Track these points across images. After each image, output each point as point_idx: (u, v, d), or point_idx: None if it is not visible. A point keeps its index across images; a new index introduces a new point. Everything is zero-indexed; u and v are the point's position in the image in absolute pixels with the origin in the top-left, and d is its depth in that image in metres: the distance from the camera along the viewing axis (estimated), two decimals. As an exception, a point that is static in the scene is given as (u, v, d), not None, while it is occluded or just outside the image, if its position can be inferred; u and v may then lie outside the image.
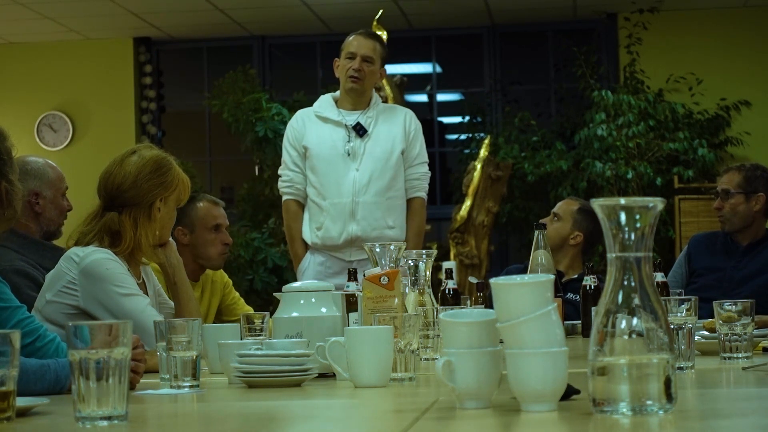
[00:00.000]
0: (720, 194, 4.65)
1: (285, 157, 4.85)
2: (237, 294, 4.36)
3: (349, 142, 4.73)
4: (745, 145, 8.53)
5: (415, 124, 4.84)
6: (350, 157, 4.71)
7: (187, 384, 2.28)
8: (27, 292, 3.18)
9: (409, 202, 4.83)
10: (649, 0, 8.53)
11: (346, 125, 4.75)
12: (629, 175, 7.93)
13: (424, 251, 2.91)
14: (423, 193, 4.85)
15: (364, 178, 4.70)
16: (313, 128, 4.78)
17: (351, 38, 4.80)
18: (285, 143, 4.87)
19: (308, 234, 4.78)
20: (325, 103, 4.86)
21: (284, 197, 4.85)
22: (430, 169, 4.91)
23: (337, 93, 4.88)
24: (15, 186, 2.49)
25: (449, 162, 9.59)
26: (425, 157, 4.87)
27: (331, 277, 4.60)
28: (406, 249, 4.99)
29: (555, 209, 4.78)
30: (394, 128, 4.78)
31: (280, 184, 4.87)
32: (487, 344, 1.76)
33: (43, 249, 3.63)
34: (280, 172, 4.88)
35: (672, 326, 2.28)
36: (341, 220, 4.69)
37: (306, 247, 4.82)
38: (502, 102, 9.31)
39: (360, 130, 4.74)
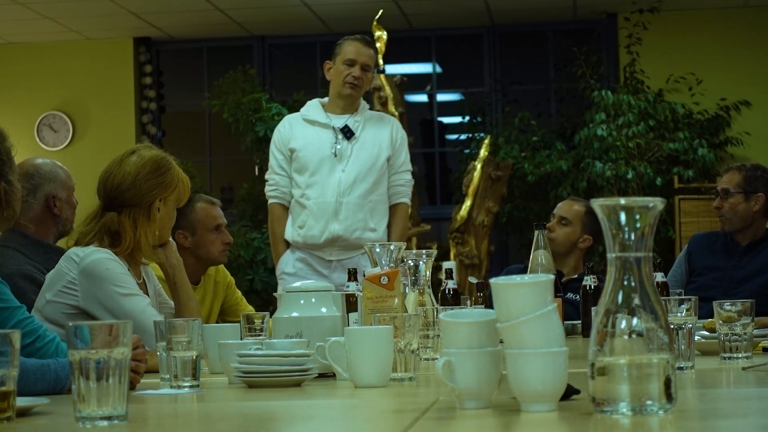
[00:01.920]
0: (720, 194, 4.66)
1: (272, 161, 4.90)
2: (240, 294, 4.36)
3: (336, 143, 4.76)
4: (745, 145, 8.53)
5: (401, 133, 4.96)
6: (337, 159, 4.77)
7: (187, 384, 2.29)
8: (31, 297, 3.18)
9: (393, 207, 4.90)
10: (649, 0, 8.53)
11: (333, 127, 4.80)
12: (629, 175, 7.93)
13: (424, 251, 2.91)
14: (407, 200, 4.95)
15: (349, 180, 4.75)
16: (301, 130, 4.84)
17: (348, 44, 4.82)
18: (272, 148, 4.92)
19: (290, 232, 4.83)
20: (312, 107, 4.92)
21: (270, 201, 4.91)
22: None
23: (325, 99, 4.93)
24: (14, 186, 2.49)
25: (449, 162, 9.59)
26: (409, 166, 4.97)
27: (311, 275, 4.65)
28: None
29: (562, 213, 4.74)
30: (381, 135, 4.86)
31: (266, 188, 4.93)
32: (487, 344, 1.76)
33: (51, 252, 3.63)
34: (267, 176, 4.93)
35: (672, 326, 2.28)
36: (324, 219, 4.74)
37: (287, 247, 4.85)
38: (502, 102, 9.31)
39: (348, 133, 4.78)
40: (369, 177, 4.79)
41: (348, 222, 4.74)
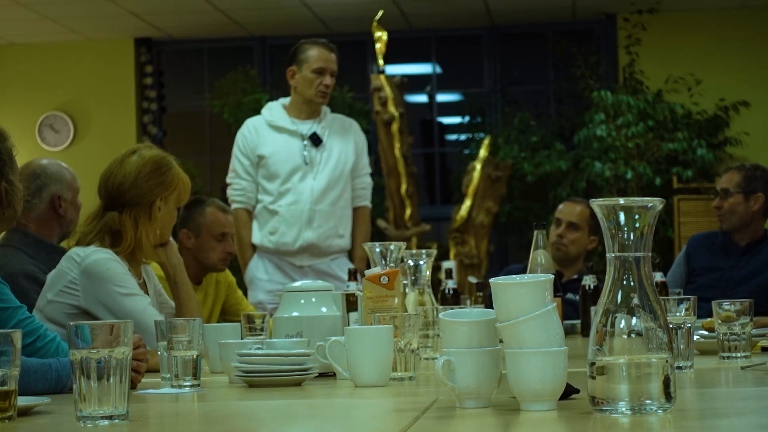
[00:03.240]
0: (719, 193, 4.66)
1: (236, 166, 4.83)
2: (241, 294, 4.37)
3: (304, 151, 4.75)
4: (744, 145, 8.53)
5: (362, 137, 4.96)
6: (308, 166, 4.74)
7: (188, 383, 2.29)
8: (34, 297, 3.18)
9: (356, 210, 4.92)
10: (648, 1, 8.53)
11: (302, 134, 4.77)
12: (628, 176, 7.94)
13: (424, 251, 2.92)
14: (368, 202, 4.98)
15: (321, 187, 4.75)
16: (268, 137, 4.79)
17: (313, 50, 4.77)
18: (236, 152, 4.84)
19: (258, 238, 4.79)
20: (276, 111, 4.86)
21: (234, 205, 4.81)
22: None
23: (286, 100, 4.89)
24: (15, 186, 2.49)
25: (449, 162, 9.59)
26: (369, 168, 5.00)
27: (284, 280, 4.61)
28: (353, 257, 5.09)
29: (571, 219, 4.69)
30: (347, 140, 4.86)
31: (230, 192, 4.83)
32: (487, 344, 1.77)
33: (54, 252, 3.63)
34: (230, 180, 4.85)
35: (671, 326, 2.29)
36: (297, 227, 4.73)
37: (254, 251, 4.82)
38: (501, 102, 9.31)
39: (316, 140, 4.76)
40: (338, 184, 4.80)
41: (321, 230, 4.74)
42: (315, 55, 4.77)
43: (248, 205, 4.83)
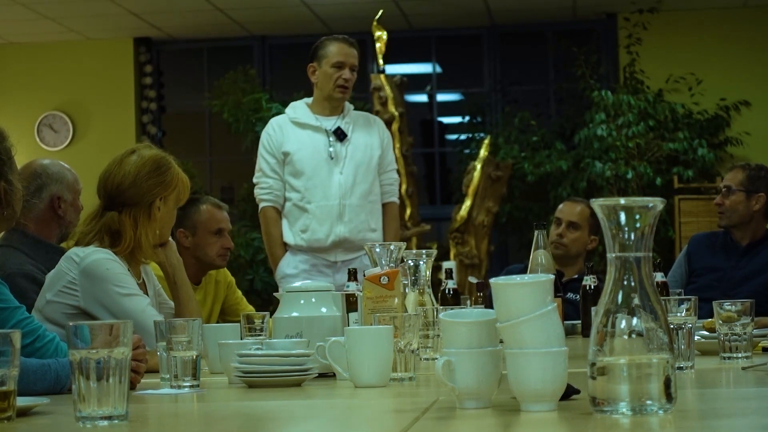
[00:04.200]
0: (722, 191, 4.67)
1: (262, 165, 4.84)
2: (240, 294, 4.36)
3: (330, 146, 4.75)
4: (745, 145, 8.53)
5: (387, 133, 4.97)
6: (333, 161, 4.74)
7: (188, 384, 2.29)
8: (32, 297, 3.18)
9: (385, 206, 4.90)
10: (648, 0, 8.53)
11: (326, 130, 4.78)
12: (629, 175, 7.94)
13: (424, 251, 2.91)
14: (396, 198, 4.97)
15: (349, 181, 4.74)
16: (292, 134, 4.80)
17: (333, 46, 4.79)
18: (262, 151, 4.86)
19: (290, 237, 4.78)
20: (299, 109, 4.87)
21: (262, 204, 4.83)
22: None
23: (309, 99, 4.90)
24: (14, 186, 2.49)
25: (449, 162, 9.59)
26: (395, 164, 5.00)
27: (315, 276, 4.63)
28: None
29: (571, 218, 4.69)
30: (371, 135, 4.85)
31: (257, 191, 4.86)
32: (487, 344, 1.76)
33: (53, 252, 3.63)
34: (257, 180, 4.87)
35: (672, 326, 2.28)
36: (328, 222, 4.72)
37: (285, 249, 4.82)
38: (501, 102, 9.31)
39: (340, 135, 4.76)
40: (366, 178, 4.78)
41: (353, 224, 4.73)
42: (334, 50, 4.78)
43: (276, 203, 4.82)
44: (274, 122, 4.91)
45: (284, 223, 4.82)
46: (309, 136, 4.78)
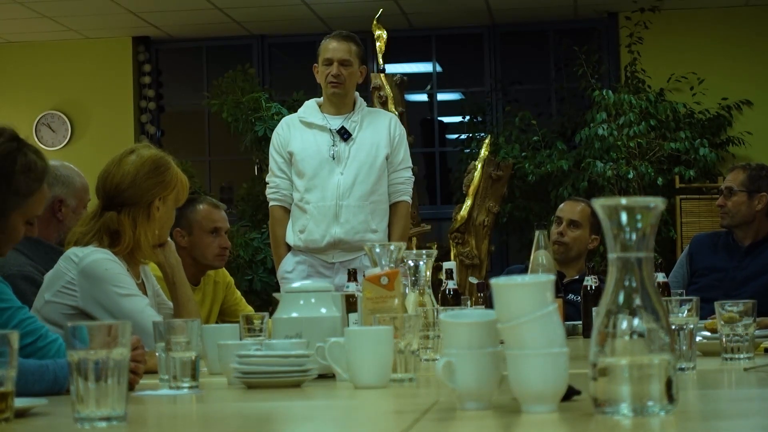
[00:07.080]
0: (724, 191, 4.66)
1: (271, 164, 4.86)
2: (239, 294, 4.35)
3: (333, 146, 4.74)
4: (747, 144, 8.52)
5: (399, 130, 4.89)
6: (335, 161, 4.73)
7: (186, 385, 2.28)
8: (31, 299, 3.16)
9: (394, 206, 4.84)
10: (650, -1, 8.53)
11: (330, 129, 4.77)
12: (630, 175, 7.93)
13: (424, 251, 2.91)
14: (407, 198, 4.88)
15: (348, 182, 4.71)
16: (298, 133, 4.80)
17: (325, 43, 4.81)
18: (271, 150, 4.88)
19: (291, 236, 4.79)
20: (309, 108, 4.87)
21: (271, 203, 4.86)
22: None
23: (321, 98, 4.90)
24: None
25: (449, 162, 9.58)
26: (409, 162, 4.91)
27: (313, 276, 4.62)
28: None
29: (572, 217, 4.68)
30: (379, 133, 4.81)
31: (267, 190, 4.88)
32: (488, 345, 1.76)
33: (53, 253, 3.61)
34: (267, 179, 4.89)
35: (673, 327, 2.28)
36: (324, 223, 4.70)
37: (288, 249, 4.83)
38: (502, 102, 9.30)
39: (344, 134, 4.75)
40: (368, 178, 4.74)
41: (349, 225, 4.70)
42: (324, 47, 4.80)
43: (284, 202, 4.82)
44: (284, 121, 4.92)
45: (289, 222, 4.82)
46: (314, 136, 4.78)
